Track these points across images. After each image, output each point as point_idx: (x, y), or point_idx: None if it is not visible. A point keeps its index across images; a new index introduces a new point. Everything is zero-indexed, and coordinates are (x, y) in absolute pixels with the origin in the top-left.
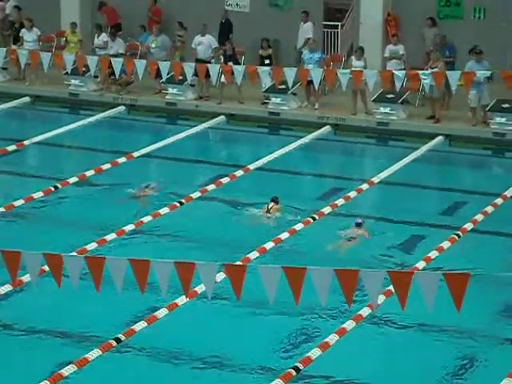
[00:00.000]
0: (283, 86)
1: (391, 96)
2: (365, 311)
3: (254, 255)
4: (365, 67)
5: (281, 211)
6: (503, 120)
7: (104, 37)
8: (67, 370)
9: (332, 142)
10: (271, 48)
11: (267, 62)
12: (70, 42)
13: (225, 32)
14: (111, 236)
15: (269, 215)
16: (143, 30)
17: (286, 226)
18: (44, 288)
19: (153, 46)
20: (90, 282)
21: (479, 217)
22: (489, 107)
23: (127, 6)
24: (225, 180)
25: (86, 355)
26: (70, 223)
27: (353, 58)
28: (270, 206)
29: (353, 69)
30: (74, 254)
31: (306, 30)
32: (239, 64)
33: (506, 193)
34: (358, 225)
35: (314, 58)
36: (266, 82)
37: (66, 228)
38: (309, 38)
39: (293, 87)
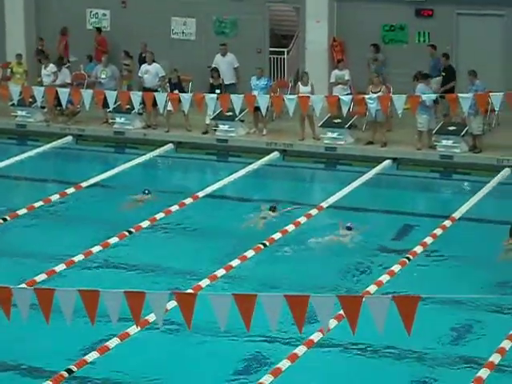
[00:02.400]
0: (230, 113)
1: (338, 121)
2: (316, 336)
3: (205, 282)
4: (311, 93)
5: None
6: (449, 143)
7: (52, 68)
8: None
9: (280, 167)
10: (221, 77)
11: (218, 91)
12: (16, 73)
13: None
14: (61, 267)
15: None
16: (89, 61)
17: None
18: None
19: (103, 76)
20: (40, 313)
21: (428, 239)
22: (435, 130)
23: (72, 36)
24: (174, 208)
25: None
26: (19, 255)
27: (299, 84)
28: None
29: (300, 94)
30: (24, 285)
31: (230, 61)
32: (185, 92)
33: (454, 215)
34: (349, 228)
35: (261, 84)
36: (214, 109)
37: (15, 260)
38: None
39: (240, 114)
